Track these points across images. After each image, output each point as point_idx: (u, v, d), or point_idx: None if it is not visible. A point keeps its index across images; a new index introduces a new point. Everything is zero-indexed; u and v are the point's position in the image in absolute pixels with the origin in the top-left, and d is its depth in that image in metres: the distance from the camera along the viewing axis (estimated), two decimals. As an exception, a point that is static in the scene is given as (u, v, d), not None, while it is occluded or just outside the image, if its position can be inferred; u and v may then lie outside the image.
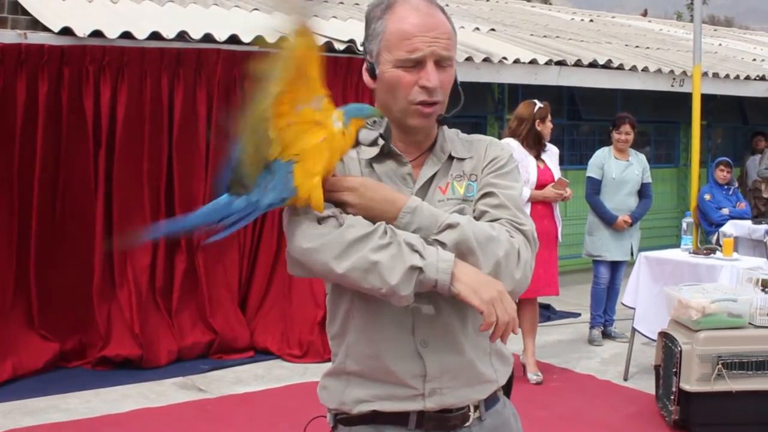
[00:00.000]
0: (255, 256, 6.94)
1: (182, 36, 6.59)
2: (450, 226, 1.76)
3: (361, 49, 2.00)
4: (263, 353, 6.67)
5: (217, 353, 6.59)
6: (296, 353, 6.55)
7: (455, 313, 1.85)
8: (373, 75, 1.90)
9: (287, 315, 6.70)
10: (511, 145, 6.10)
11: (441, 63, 1.86)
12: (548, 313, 8.14)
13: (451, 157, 1.96)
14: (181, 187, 6.56)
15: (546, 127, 6.13)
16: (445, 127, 1.99)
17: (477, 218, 1.86)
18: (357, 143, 1.85)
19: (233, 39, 6.73)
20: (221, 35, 6.71)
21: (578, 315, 8.13)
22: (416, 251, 1.72)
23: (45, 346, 6.16)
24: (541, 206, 6.04)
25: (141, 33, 6.41)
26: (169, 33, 6.52)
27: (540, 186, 6.03)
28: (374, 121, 1.84)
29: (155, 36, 6.45)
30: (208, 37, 6.67)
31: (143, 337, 6.28)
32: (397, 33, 1.84)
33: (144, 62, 6.36)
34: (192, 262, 6.61)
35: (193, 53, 6.55)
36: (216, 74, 6.61)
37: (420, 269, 1.70)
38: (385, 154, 1.92)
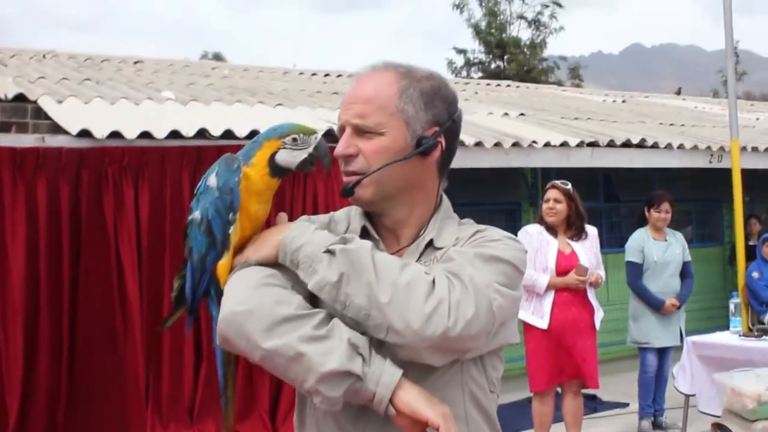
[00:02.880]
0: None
1: (202, 133, 6.51)
2: (345, 240, 1.60)
3: None
4: None
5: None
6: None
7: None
8: None
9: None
10: (528, 231, 5.88)
11: (362, 131, 1.71)
12: (594, 404, 7.73)
13: (432, 246, 1.76)
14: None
15: (545, 208, 5.87)
16: (449, 218, 1.83)
17: None
18: (281, 170, 1.70)
19: (254, 134, 6.63)
20: (242, 131, 6.62)
21: (626, 405, 7.71)
22: (359, 354, 1.52)
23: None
24: (568, 293, 5.75)
25: (160, 132, 6.33)
26: (188, 131, 6.44)
27: (563, 272, 5.74)
28: (294, 139, 1.68)
29: (174, 135, 6.37)
30: (228, 134, 6.59)
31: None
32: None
33: (164, 161, 6.27)
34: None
35: (213, 150, 6.45)
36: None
37: (357, 377, 1.50)
38: (367, 234, 1.76)
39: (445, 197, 1.88)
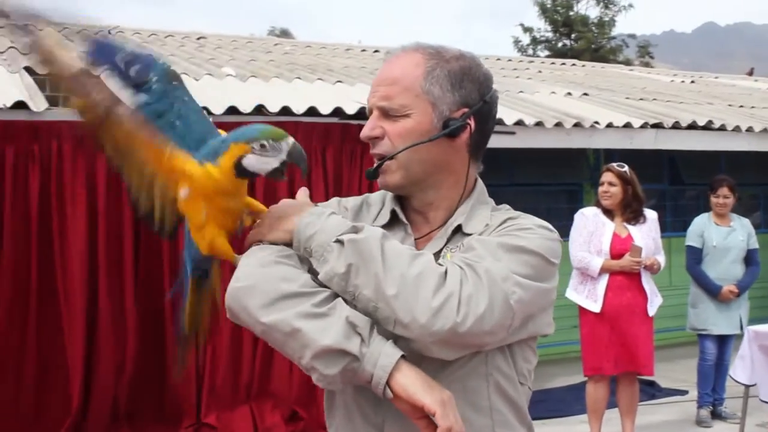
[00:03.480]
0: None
1: (259, 110, 6.53)
2: (356, 229, 1.56)
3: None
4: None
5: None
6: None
7: None
8: None
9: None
10: (584, 213, 5.80)
11: (387, 113, 1.68)
12: (652, 390, 7.60)
13: (461, 232, 1.70)
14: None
15: (600, 191, 5.75)
16: (482, 203, 1.77)
17: None
18: (248, 173, 1.66)
19: (312, 111, 6.63)
20: (299, 108, 6.62)
21: (685, 392, 7.56)
22: (358, 334, 1.48)
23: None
24: (622, 277, 5.63)
25: (218, 108, 6.36)
26: (246, 107, 6.46)
27: (618, 256, 5.63)
28: (262, 145, 1.64)
29: (232, 111, 6.39)
30: (285, 110, 6.59)
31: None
32: None
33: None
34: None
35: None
36: (294, 147, 6.49)
37: (354, 357, 1.47)
38: (393, 223, 1.73)
39: (479, 181, 1.82)
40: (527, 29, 30.86)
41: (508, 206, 1.81)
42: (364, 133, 1.71)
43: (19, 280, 5.77)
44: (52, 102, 6.28)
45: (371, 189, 6.74)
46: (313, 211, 1.64)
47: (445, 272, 1.50)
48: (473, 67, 1.76)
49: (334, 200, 1.83)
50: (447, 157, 1.72)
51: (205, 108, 6.25)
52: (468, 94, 1.73)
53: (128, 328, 6.06)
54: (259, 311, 1.54)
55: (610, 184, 5.73)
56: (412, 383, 1.47)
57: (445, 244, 1.70)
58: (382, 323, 1.51)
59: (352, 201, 1.83)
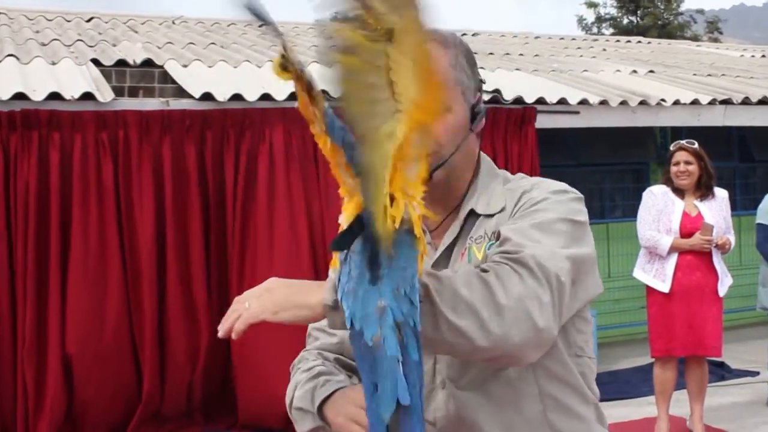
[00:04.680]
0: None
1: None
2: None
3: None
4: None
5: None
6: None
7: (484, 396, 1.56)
8: None
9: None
10: (653, 192, 5.69)
11: None
12: (722, 371, 7.47)
13: (475, 215, 1.64)
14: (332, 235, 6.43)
15: (676, 171, 5.62)
16: (493, 178, 1.68)
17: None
18: None
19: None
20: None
21: (756, 374, 7.41)
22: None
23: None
24: (692, 257, 5.52)
25: (280, 94, 6.41)
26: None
27: (688, 235, 5.52)
28: None
29: (293, 97, 6.41)
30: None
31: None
32: None
33: (285, 121, 6.33)
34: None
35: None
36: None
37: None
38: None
39: (483, 154, 1.75)
40: (592, 5, 30.36)
41: (522, 175, 1.74)
42: None
43: (92, 269, 5.91)
44: (118, 92, 6.42)
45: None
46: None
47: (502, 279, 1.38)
48: (468, 46, 1.72)
49: None
50: (471, 143, 1.68)
51: (266, 95, 6.33)
52: (478, 76, 1.69)
53: (200, 319, 6.16)
54: None
55: (687, 162, 5.60)
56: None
57: (461, 229, 1.64)
58: (457, 355, 1.44)
59: None
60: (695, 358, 5.65)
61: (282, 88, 6.50)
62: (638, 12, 29.77)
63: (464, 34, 12.99)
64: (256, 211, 6.29)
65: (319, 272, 6.35)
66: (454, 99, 1.61)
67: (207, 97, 6.29)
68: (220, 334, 1.45)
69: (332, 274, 1.40)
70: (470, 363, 1.53)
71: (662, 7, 29.60)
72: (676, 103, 8.12)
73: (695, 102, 8.24)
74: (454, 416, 1.56)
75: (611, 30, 29.63)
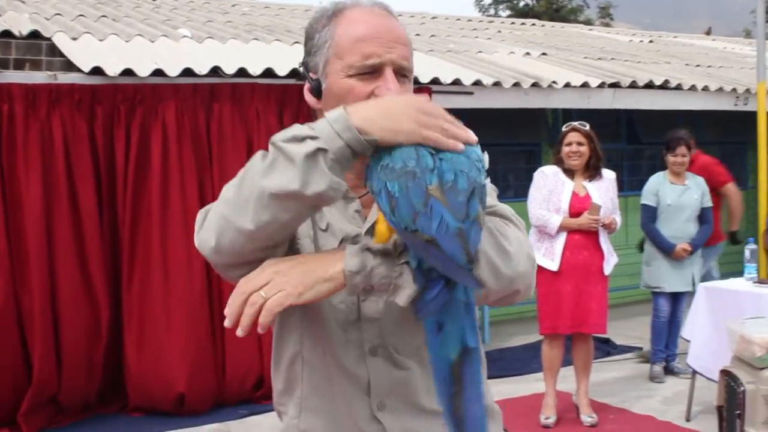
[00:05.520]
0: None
1: (216, 71, 6.46)
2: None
3: (300, 70, 1.70)
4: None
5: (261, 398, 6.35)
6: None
7: (417, 362, 1.58)
8: (318, 94, 1.63)
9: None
10: (545, 171, 5.82)
11: (400, 74, 1.59)
12: (607, 347, 7.72)
13: None
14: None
15: (567, 151, 5.76)
16: None
17: None
18: None
19: (268, 72, 6.58)
20: (255, 69, 6.56)
21: (640, 349, 7.68)
22: (305, 137, 1.33)
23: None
24: (579, 236, 5.67)
25: (173, 70, 6.29)
26: (202, 69, 6.40)
27: (577, 214, 5.67)
28: None
29: (188, 73, 6.33)
30: (242, 72, 6.53)
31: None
32: (349, 36, 1.58)
33: (177, 98, 6.22)
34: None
35: (228, 88, 6.40)
36: (251, 108, 6.45)
37: (319, 150, 1.32)
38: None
39: None
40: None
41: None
42: (397, 91, 1.56)
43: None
44: (3, 65, 6.19)
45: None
46: (352, 251, 1.43)
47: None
48: None
49: None
50: None
51: (159, 70, 6.19)
52: None
53: (98, 298, 6.04)
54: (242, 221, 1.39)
55: (579, 143, 5.72)
56: (371, 123, 1.37)
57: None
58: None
59: None
60: (580, 335, 5.81)
61: (174, 64, 6.38)
62: (532, -5, 30.27)
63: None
64: (148, 189, 6.18)
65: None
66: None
67: (97, 71, 6.12)
68: (240, 332, 1.37)
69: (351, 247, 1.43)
70: (414, 332, 1.54)
71: (556, -10, 30.17)
72: (567, 85, 8.30)
73: (585, 85, 8.44)
74: (397, 380, 1.59)
75: (507, 12, 30.05)
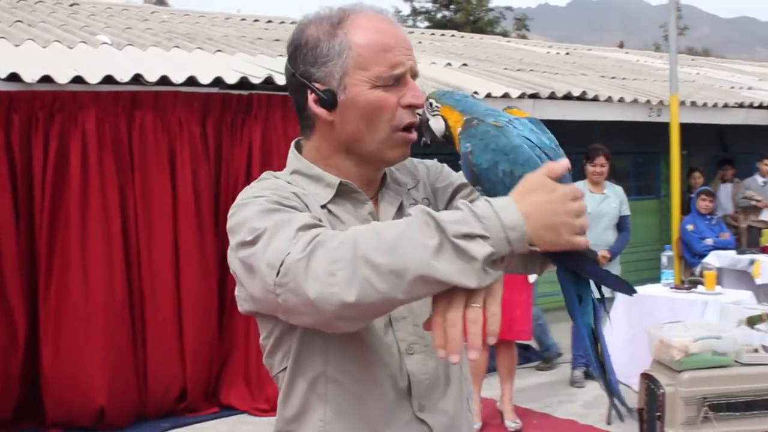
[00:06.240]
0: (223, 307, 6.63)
1: (137, 79, 6.36)
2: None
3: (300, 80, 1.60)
4: (228, 409, 6.35)
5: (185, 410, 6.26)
6: (264, 407, 6.22)
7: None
8: (330, 105, 1.56)
9: (253, 367, 6.38)
10: None
11: (413, 80, 1.60)
12: (528, 354, 7.83)
13: (397, 184, 1.73)
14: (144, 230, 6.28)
15: None
16: None
17: None
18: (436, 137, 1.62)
19: (191, 81, 6.51)
20: (178, 78, 6.48)
21: (560, 355, 7.82)
22: (476, 236, 1.25)
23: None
24: None
25: (93, 77, 6.17)
26: (123, 76, 6.29)
27: None
28: (431, 104, 1.59)
29: (109, 80, 6.21)
30: (164, 80, 6.44)
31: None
32: (374, 46, 1.53)
33: (98, 106, 6.11)
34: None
35: (150, 96, 6.31)
36: (174, 116, 6.37)
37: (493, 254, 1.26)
38: (340, 194, 1.60)
39: None
40: None
41: None
42: (423, 99, 1.58)
43: None
44: None
45: (251, 159, 6.64)
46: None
47: None
48: None
49: (275, 182, 1.60)
50: None
51: (79, 77, 6.07)
52: None
53: (14, 310, 5.88)
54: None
55: None
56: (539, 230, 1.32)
57: (401, 203, 1.69)
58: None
59: (282, 189, 1.56)
60: (505, 342, 5.88)
61: (95, 71, 6.26)
62: (451, 6, 30.62)
63: (283, 22, 12.96)
64: (66, 198, 6.04)
65: (130, 259, 6.19)
66: None
67: (14, 77, 5.97)
68: (476, 354, 1.28)
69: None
70: None
71: (474, 2, 30.58)
72: (489, 96, 8.42)
73: (506, 95, 8.57)
74: (432, 375, 1.59)
75: (426, 23, 30.33)
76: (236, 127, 6.60)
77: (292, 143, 1.70)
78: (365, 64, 1.53)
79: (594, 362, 1.54)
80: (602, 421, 5.89)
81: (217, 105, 6.51)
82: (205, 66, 7.08)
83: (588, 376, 6.98)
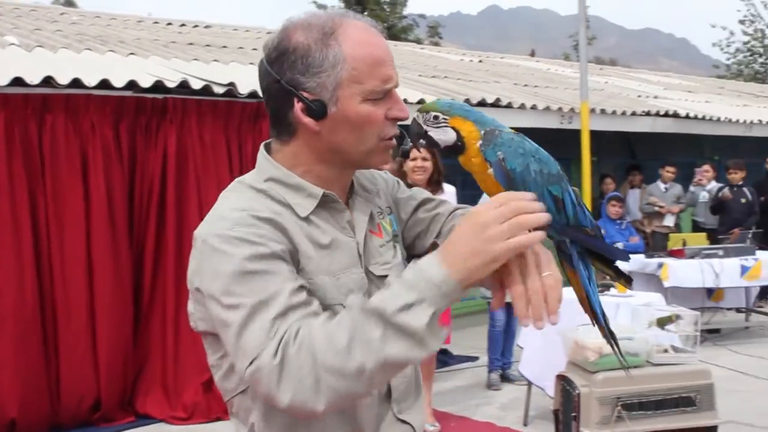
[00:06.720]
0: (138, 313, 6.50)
1: (48, 81, 6.20)
2: None
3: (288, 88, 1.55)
4: (145, 418, 6.23)
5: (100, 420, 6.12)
6: (181, 415, 6.12)
7: None
8: (319, 116, 1.53)
9: (170, 374, 6.28)
10: None
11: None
12: (445, 358, 7.90)
13: (364, 190, 1.74)
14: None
15: (413, 166, 5.86)
16: None
17: (443, 224, 1.83)
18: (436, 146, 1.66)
19: (104, 84, 6.37)
20: (90, 80, 6.34)
21: (476, 359, 7.93)
22: (410, 305, 1.32)
23: None
24: None
25: (2, 79, 5.99)
26: (33, 78, 6.12)
27: None
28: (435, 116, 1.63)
29: (18, 82, 6.04)
30: (76, 82, 6.29)
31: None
32: (368, 59, 1.52)
33: (7, 109, 5.93)
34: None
35: (61, 99, 6.15)
36: (86, 120, 6.23)
37: (433, 315, 1.34)
38: (321, 204, 1.59)
39: None
40: (321, 6, 30.99)
41: None
42: (407, 112, 1.59)
43: None
44: None
45: (166, 163, 6.56)
46: None
47: None
48: None
49: (251, 205, 1.52)
50: None
51: (-13, 78, 5.89)
52: None
53: None
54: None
55: (424, 159, 5.83)
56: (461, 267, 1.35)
57: (371, 210, 1.70)
58: None
59: (258, 223, 1.48)
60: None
61: (3, 73, 6.08)
62: (365, 13, 30.71)
63: (196, 26, 12.81)
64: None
65: (41, 265, 6.02)
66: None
67: None
68: (556, 319, 1.36)
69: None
70: None
71: (388, 10, 30.75)
72: (405, 101, 8.39)
73: (421, 101, 8.63)
74: (408, 379, 1.69)
75: (339, 29, 30.36)
76: (151, 131, 6.50)
77: (262, 146, 1.65)
78: (360, 77, 1.52)
79: (600, 314, 1.67)
80: (519, 423, 5.98)
81: (131, 108, 6.40)
82: (118, 69, 6.95)
83: (504, 378, 7.08)
